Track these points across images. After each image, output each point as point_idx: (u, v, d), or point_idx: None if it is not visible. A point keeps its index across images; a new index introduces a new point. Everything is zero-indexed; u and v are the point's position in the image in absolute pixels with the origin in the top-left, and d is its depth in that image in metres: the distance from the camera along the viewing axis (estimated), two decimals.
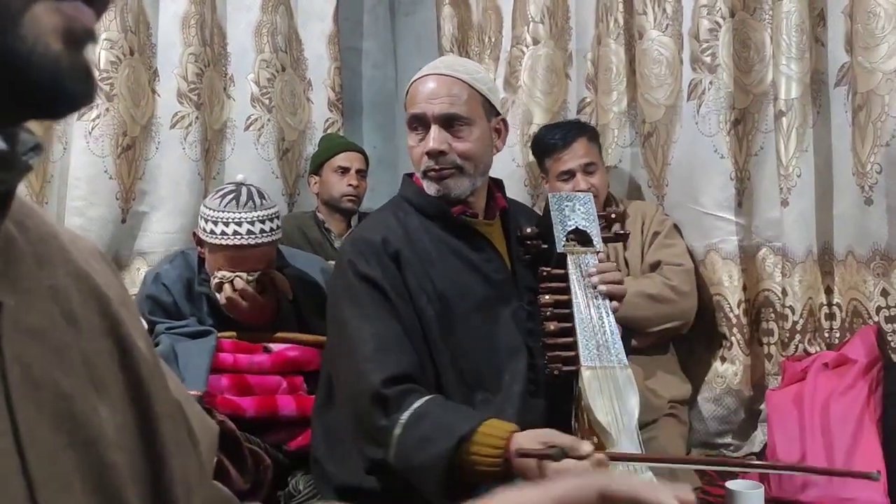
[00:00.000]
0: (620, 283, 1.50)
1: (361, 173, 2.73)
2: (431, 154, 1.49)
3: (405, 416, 1.30)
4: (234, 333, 1.96)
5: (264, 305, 1.95)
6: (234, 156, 2.73)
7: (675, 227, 2.38)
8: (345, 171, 2.68)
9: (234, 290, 1.90)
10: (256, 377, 1.89)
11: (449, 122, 1.49)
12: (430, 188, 1.51)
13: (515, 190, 2.56)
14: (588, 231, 1.54)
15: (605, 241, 1.58)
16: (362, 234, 1.54)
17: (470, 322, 1.48)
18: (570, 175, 2.32)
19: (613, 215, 1.63)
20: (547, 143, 2.36)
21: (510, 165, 2.64)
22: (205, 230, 1.93)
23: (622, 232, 1.64)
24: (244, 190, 1.95)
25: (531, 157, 2.57)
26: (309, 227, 2.66)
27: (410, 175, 1.62)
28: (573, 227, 1.54)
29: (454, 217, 1.54)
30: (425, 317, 1.45)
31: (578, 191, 2.20)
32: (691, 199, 2.36)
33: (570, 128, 2.37)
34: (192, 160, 2.54)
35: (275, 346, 1.93)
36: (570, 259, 1.50)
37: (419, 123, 1.50)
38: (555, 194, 1.60)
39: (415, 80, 1.53)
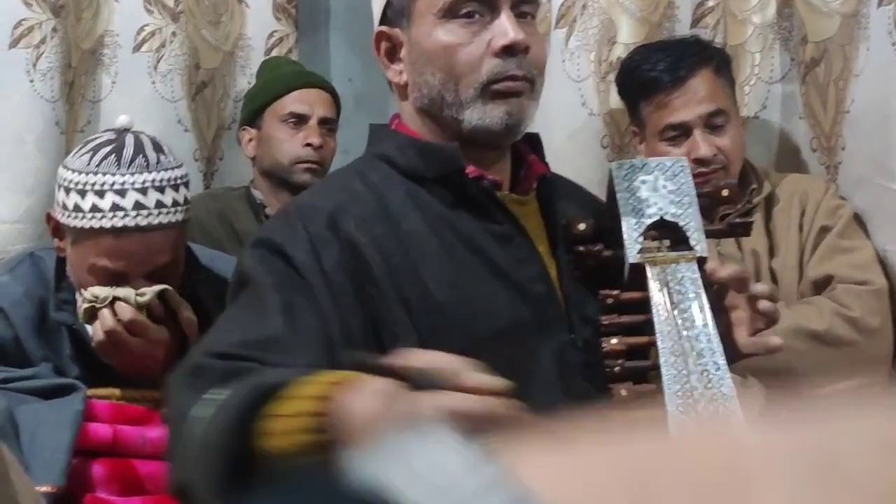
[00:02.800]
0: (772, 298, 1.54)
1: (328, 124, 2.75)
2: (515, 48, 1.53)
3: (222, 393, 1.31)
4: (114, 391, 1.99)
5: (164, 345, 1.96)
6: (116, 94, 2.75)
7: (858, 218, 2.39)
8: (300, 120, 2.72)
9: (118, 319, 1.92)
10: (149, 464, 1.91)
11: (518, 9, 1.57)
12: (489, 114, 1.55)
13: (587, 156, 2.60)
14: (681, 223, 1.53)
15: (712, 236, 1.57)
16: (299, 200, 1.60)
17: (488, 365, 1.42)
18: (682, 131, 2.35)
19: (725, 191, 1.62)
20: (644, 78, 2.39)
21: (578, 113, 2.64)
22: (65, 207, 1.97)
23: (740, 220, 1.63)
24: (129, 140, 1.99)
25: (614, 101, 2.60)
26: (238, 212, 2.71)
27: (384, 125, 1.68)
28: (656, 219, 1.53)
29: (470, 182, 1.57)
30: (398, 345, 1.43)
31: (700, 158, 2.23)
32: (884, 174, 2.34)
33: (685, 52, 2.38)
34: (45, 100, 2.57)
35: None
36: (650, 273, 1.50)
37: (478, 5, 1.55)
38: (622, 163, 1.60)
39: None
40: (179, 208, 1.99)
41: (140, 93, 2.80)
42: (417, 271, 1.50)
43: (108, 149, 1.98)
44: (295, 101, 2.75)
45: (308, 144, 2.71)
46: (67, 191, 1.97)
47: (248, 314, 1.47)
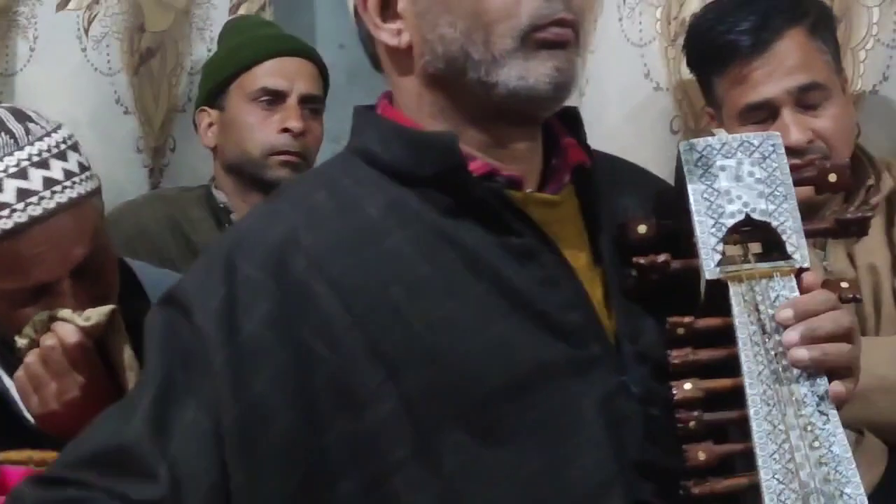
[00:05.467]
0: (846, 335, 1.46)
1: (311, 103, 2.78)
2: None
3: None
4: (32, 453, 1.91)
5: (96, 389, 1.90)
6: (35, 65, 2.80)
7: None
8: (275, 98, 2.75)
9: (63, 343, 1.87)
10: None
11: None
12: (532, 71, 1.50)
13: (651, 141, 2.63)
14: (774, 222, 1.51)
15: (816, 236, 1.60)
16: (243, 225, 1.59)
17: (508, 426, 1.48)
18: (768, 112, 2.34)
19: (833, 176, 1.56)
20: (718, 42, 2.38)
21: (641, 86, 2.69)
22: None
23: (853, 216, 1.59)
24: None
25: (685, 72, 2.56)
26: (195, 220, 2.74)
27: (371, 107, 1.62)
28: (740, 218, 1.51)
29: (474, 182, 1.51)
30: (375, 423, 1.45)
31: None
32: None
33: (773, 8, 2.36)
34: None
35: None
36: (734, 293, 1.48)
37: None
38: (695, 142, 1.57)
39: None
40: (76, 178, 1.93)
41: (67, 63, 2.86)
42: (399, 311, 1.49)
43: None
44: (269, 74, 2.75)
45: (286, 130, 2.72)
46: None
47: (119, 410, 1.50)
